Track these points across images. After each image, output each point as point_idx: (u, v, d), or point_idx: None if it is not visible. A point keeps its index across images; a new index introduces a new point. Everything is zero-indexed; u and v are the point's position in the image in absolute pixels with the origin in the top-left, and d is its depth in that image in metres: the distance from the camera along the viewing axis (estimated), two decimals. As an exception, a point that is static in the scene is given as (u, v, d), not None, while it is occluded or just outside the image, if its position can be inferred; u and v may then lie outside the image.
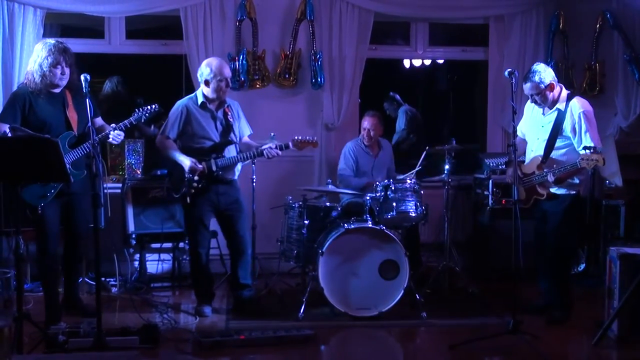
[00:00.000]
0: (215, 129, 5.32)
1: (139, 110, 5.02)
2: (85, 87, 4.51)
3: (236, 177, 5.42)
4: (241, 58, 6.61)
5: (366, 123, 6.40)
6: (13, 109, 4.83)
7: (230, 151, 5.36)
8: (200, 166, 5.19)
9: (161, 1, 6.48)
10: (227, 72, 5.28)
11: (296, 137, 5.36)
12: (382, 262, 5.29)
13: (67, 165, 4.67)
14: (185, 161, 5.21)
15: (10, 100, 4.95)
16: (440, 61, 8.58)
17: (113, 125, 5.00)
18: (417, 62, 8.26)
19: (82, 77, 4.55)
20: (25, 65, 6.13)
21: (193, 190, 5.23)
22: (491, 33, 7.14)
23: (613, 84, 7.00)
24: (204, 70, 5.27)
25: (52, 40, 4.89)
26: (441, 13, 7.07)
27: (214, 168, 5.23)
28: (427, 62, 8.29)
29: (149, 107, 5.04)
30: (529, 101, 5.40)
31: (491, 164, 6.27)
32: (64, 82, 4.87)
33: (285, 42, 6.76)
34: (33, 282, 5.87)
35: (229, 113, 5.32)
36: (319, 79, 6.71)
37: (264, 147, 5.25)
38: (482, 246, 6.59)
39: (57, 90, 4.88)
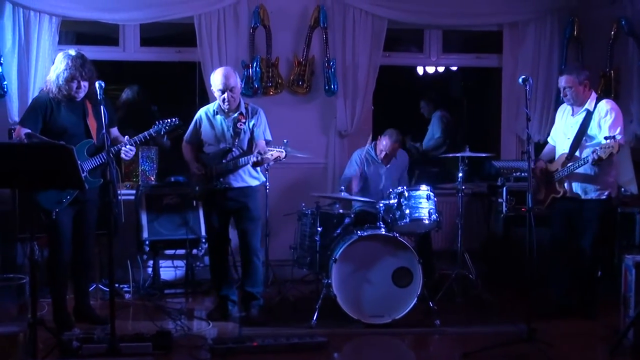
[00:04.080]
0: (224, 136, 5.35)
1: (159, 123, 5.04)
2: (99, 94, 4.57)
3: (249, 184, 5.41)
4: (255, 65, 6.63)
5: (385, 145, 6.24)
6: (35, 114, 4.88)
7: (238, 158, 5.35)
8: (197, 170, 5.31)
9: (175, 9, 6.51)
10: (223, 83, 5.23)
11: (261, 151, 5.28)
12: (396, 270, 5.28)
13: (85, 173, 4.75)
14: (191, 165, 5.38)
15: (32, 105, 5.02)
16: (454, 68, 8.56)
17: (127, 137, 5.01)
18: (430, 69, 8.24)
19: (96, 85, 4.60)
20: (40, 73, 6.23)
21: (196, 194, 5.41)
22: (505, 40, 7.12)
23: (628, 90, 6.95)
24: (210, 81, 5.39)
25: (72, 52, 4.91)
26: (455, 20, 7.06)
27: (213, 173, 5.28)
28: (441, 69, 8.27)
29: (169, 120, 5.07)
30: (560, 107, 5.56)
31: (497, 165, 6.27)
32: (81, 95, 4.90)
33: (299, 50, 6.77)
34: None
35: (242, 120, 5.33)
36: (332, 86, 6.72)
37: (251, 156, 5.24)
38: (496, 254, 6.56)
39: (78, 99, 4.92)
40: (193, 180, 5.47)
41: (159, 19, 6.53)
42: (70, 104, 4.91)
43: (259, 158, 5.14)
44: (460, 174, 5.92)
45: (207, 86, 6.31)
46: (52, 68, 4.92)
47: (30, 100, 6.15)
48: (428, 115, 8.70)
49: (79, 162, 4.70)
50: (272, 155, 5.16)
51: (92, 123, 4.94)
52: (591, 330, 5.22)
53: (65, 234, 4.96)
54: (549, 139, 5.78)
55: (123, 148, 4.93)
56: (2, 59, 6.19)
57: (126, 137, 5.03)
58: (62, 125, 4.87)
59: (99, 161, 4.88)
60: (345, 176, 6.33)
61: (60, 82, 4.81)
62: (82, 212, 5.02)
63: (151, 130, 5.02)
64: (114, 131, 5.16)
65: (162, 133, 5.08)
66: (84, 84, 4.84)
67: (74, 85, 4.82)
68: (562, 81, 5.35)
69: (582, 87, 5.30)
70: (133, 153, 5.02)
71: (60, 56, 4.91)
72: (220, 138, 5.36)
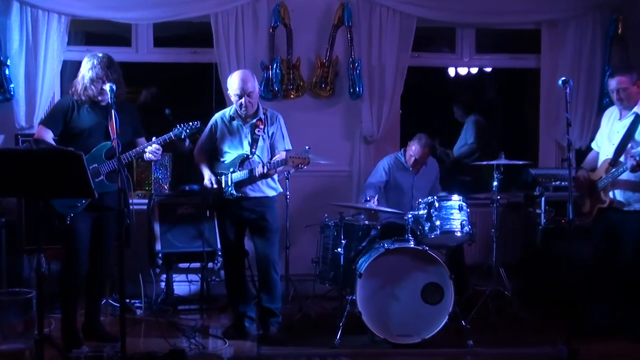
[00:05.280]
0: (240, 144, 5.37)
1: (179, 126, 5.11)
2: (110, 97, 4.65)
3: (266, 194, 5.43)
4: (275, 67, 6.66)
5: (414, 150, 6.23)
6: (56, 115, 5.04)
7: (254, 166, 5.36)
8: (209, 184, 5.33)
9: (191, 7, 6.56)
10: (241, 87, 5.26)
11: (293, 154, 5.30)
12: (425, 286, 5.26)
13: (102, 177, 4.88)
14: (205, 175, 5.39)
15: (54, 107, 5.24)
16: (488, 69, 8.53)
17: (154, 138, 5.07)
18: (463, 71, 8.22)
19: (107, 87, 4.71)
20: (49, 75, 6.32)
21: (208, 204, 5.49)
22: (543, 39, 7.08)
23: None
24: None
25: (99, 54, 5.03)
26: (489, 18, 7.04)
27: (228, 183, 5.31)
28: (474, 70, 8.24)
29: (190, 123, 5.13)
30: (607, 111, 5.53)
31: (535, 173, 6.23)
32: (107, 98, 4.96)
33: (322, 50, 6.79)
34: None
35: (260, 126, 5.35)
36: (357, 89, 6.73)
37: (258, 168, 5.24)
38: (534, 269, 6.51)
39: (104, 103, 5.01)
40: (205, 189, 5.47)
41: (173, 17, 6.59)
42: (94, 106, 5.02)
43: (265, 170, 5.16)
44: (495, 183, 5.89)
45: (223, 89, 6.35)
46: (79, 71, 5.04)
47: (37, 104, 6.29)
48: (462, 119, 8.67)
49: (96, 164, 4.88)
50: (292, 163, 5.14)
51: (113, 128, 4.96)
52: (636, 353, 5.15)
53: (82, 242, 4.99)
54: (592, 145, 5.74)
55: (149, 147, 5.00)
56: (8, 61, 6.27)
57: (153, 137, 5.09)
58: (81, 126, 4.99)
59: (125, 160, 4.96)
60: (369, 182, 6.33)
61: (86, 82, 4.93)
62: (101, 220, 5.06)
63: (171, 133, 5.09)
64: (142, 141, 5.22)
65: (182, 137, 5.13)
66: (112, 85, 4.90)
67: (100, 86, 4.91)
68: (614, 83, 5.32)
69: (635, 88, 5.29)
70: (160, 153, 5.07)
71: (86, 57, 5.03)
72: (237, 145, 5.38)
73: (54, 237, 5.15)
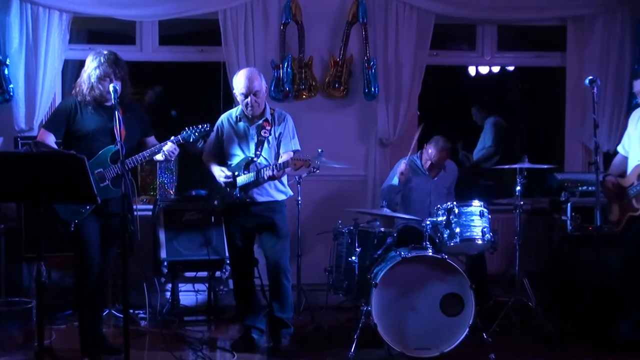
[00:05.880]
0: (247, 146, 5.38)
1: (187, 129, 5.11)
2: (114, 98, 4.65)
3: (275, 198, 5.43)
4: (286, 66, 6.67)
5: (431, 154, 6.23)
6: (58, 117, 5.03)
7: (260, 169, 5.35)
8: (223, 178, 5.32)
9: (198, 3, 6.59)
10: (246, 86, 5.27)
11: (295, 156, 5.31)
12: (444, 296, 5.25)
13: (107, 182, 4.87)
14: (217, 173, 5.38)
15: (56, 109, 5.20)
16: (511, 68, 8.52)
17: (173, 137, 5.07)
18: (484, 70, 8.22)
19: (110, 87, 4.71)
20: (49, 75, 6.35)
21: (215, 208, 5.47)
22: (569, 36, 7.07)
23: None
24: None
25: (104, 51, 5.02)
26: (511, 14, 7.04)
27: (235, 186, 5.32)
28: (496, 69, 8.23)
29: (200, 126, 5.14)
30: (634, 112, 5.49)
31: (561, 178, 6.20)
32: (112, 97, 4.96)
33: (335, 48, 6.80)
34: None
35: (267, 127, 5.36)
36: (372, 89, 6.73)
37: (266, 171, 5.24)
38: (559, 279, 6.49)
39: (109, 103, 4.98)
40: (213, 193, 5.52)
41: (179, 14, 6.62)
42: (99, 108, 5.01)
43: (274, 172, 5.16)
44: (519, 188, 5.87)
45: (232, 89, 6.36)
46: (83, 70, 5.02)
47: (37, 105, 6.31)
48: (481, 122, 8.67)
49: (101, 169, 4.86)
50: (295, 166, 5.13)
51: (121, 130, 4.96)
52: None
53: (93, 248, 4.97)
54: (619, 148, 5.71)
55: (166, 146, 4.99)
56: (8, 60, 6.31)
57: (172, 137, 5.10)
58: (86, 129, 4.97)
59: (132, 164, 4.97)
60: (386, 185, 6.33)
61: (93, 81, 4.91)
62: (106, 227, 5.04)
63: (179, 137, 5.08)
64: (151, 140, 5.25)
65: (190, 140, 5.13)
66: (117, 84, 4.91)
67: (107, 84, 4.89)
68: (638, 86, 5.28)
69: None
70: (177, 152, 5.07)
71: (91, 56, 5.01)
72: (244, 146, 5.40)
73: (55, 244, 5.17)
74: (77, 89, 5.00)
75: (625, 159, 5.54)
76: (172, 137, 5.06)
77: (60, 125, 4.98)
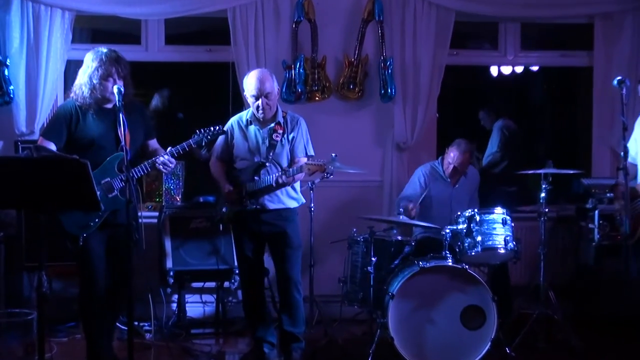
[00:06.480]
0: (258, 149, 5.39)
1: (199, 132, 5.02)
2: (118, 100, 4.63)
3: (287, 205, 5.44)
4: (298, 66, 6.68)
5: (453, 157, 6.21)
6: (58, 124, 4.93)
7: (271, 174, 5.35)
8: (226, 191, 5.35)
9: (205, 1, 6.60)
10: (257, 88, 5.27)
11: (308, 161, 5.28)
12: (465, 308, 5.24)
13: (115, 192, 4.80)
14: (221, 185, 5.41)
15: (54, 115, 5.09)
16: (535, 68, 8.51)
17: (170, 148, 5.00)
18: (506, 70, 8.21)
19: (115, 89, 4.68)
20: (51, 75, 6.37)
21: (223, 216, 5.45)
22: (596, 34, 7.05)
23: None
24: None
25: (104, 49, 4.95)
26: (536, 11, 7.03)
27: (242, 193, 5.33)
28: (519, 69, 8.23)
29: (212, 128, 5.07)
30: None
31: (588, 184, 6.17)
32: (115, 98, 4.94)
33: (350, 47, 6.81)
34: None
35: (279, 131, 5.36)
36: (389, 90, 6.73)
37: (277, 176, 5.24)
38: (586, 290, 6.47)
39: (109, 106, 4.93)
40: (221, 200, 5.53)
41: (187, 12, 6.64)
42: (100, 111, 4.92)
43: (283, 179, 5.15)
44: (543, 195, 5.86)
45: (241, 90, 6.37)
46: (81, 70, 4.95)
47: (38, 108, 6.33)
48: (489, 126, 8.69)
49: (108, 178, 4.79)
50: (310, 171, 5.14)
51: (125, 134, 4.88)
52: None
53: (98, 263, 4.96)
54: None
55: (160, 158, 4.91)
56: (8, 60, 6.34)
57: (169, 148, 5.05)
58: (89, 136, 4.89)
59: (137, 174, 4.91)
60: (404, 195, 6.32)
61: (95, 82, 4.83)
62: (116, 239, 4.96)
63: (191, 141, 5.00)
64: (153, 143, 5.20)
65: (203, 144, 5.07)
66: (120, 83, 4.89)
67: (109, 84, 4.84)
68: None
69: None
70: (173, 165, 5.01)
71: (90, 55, 4.93)
72: (254, 151, 5.40)
73: (56, 253, 5.18)
74: (77, 91, 4.91)
75: (634, 166, 5.46)
76: (170, 148, 4.98)
77: (61, 132, 4.89)
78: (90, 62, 4.89)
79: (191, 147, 5.01)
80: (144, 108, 5.39)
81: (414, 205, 6.05)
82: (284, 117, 5.43)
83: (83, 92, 4.87)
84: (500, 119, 8.63)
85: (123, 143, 4.64)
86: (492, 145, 8.53)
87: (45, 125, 6.04)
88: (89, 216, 4.82)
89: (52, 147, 4.86)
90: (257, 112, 5.33)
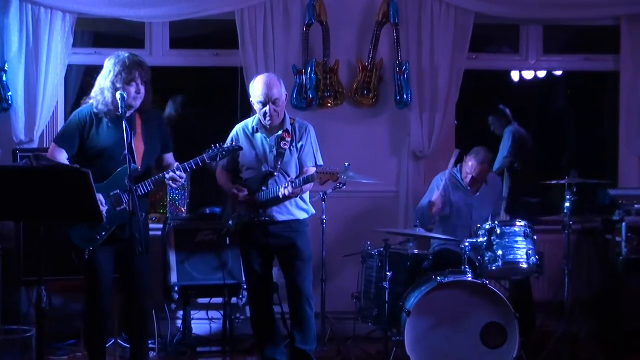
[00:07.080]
0: (265, 158, 5.39)
1: (214, 147, 5.01)
2: (121, 107, 4.64)
3: (296, 217, 5.44)
4: (309, 71, 6.69)
5: (471, 167, 6.17)
6: (71, 131, 4.94)
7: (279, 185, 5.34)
8: (235, 191, 5.33)
9: (212, 3, 6.63)
10: (265, 94, 5.27)
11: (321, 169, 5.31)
12: (486, 326, 5.24)
13: (124, 205, 4.79)
14: (228, 190, 5.40)
15: (69, 121, 5.07)
16: (558, 73, 8.51)
17: (177, 164, 4.98)
18: (528, 75, 8.21)
19: (117, 96, 4.69)
20: (51, 81, 6.39)
21: (230, 228, 5.44)
22: (623, 37, 7.03)
23: None
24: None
25: (125, 53, 4.96)
26: (559, 13, 7.02)
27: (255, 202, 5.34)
28: (542, 74, 8.23)
29: (228, 144, 5.11)
30: None
31: (614, 194, 6.14)
32: (138, 103, 4.93)
33: (364, 51, 6.81)
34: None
35: (287, 139, 5.36)
36: (405, 96, 6.73)
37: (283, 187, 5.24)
38: (613, 307, 6.44)
39: (128, 114, 4.85)
40: (226, 211, 5.52)
41: (193, 15, 6.66)
42: (116, 121, 4.88)
43: (290, 191, 5.14)
44: (567, 205, 5.85)
45: (249, 96, 6.39)
46: (101, 75, 4.93)
47: (38, 115, 6.35)
48: (500, 131, 8.69)
49: (118, 191, 4.79)
50: (321, 180, 5.13)
51: (138, 145, 4.92)
52: None
53: (104, 279, 4.96)
54: None
55: (171, 174, 4.87)
56: (6, 65, 6.36)
57: (176, 163, 5.02)
58: (101, 145, 4.89)
59: (142, 191, 4.89)
60: (422, 205, 6.28)
61: (118, 87, 4.80)
62: (127, 254, 4.88)
63: (205, 156, 4.98)
64: (169, 157, 5.18)
65: (218, 159, 5.05)
66: (142, 89, 4.89)
67: (133, 89, 4.85)
68: None
69: None
70: (183, 181, 4.98)
71: (111, 59, 4.93)
72: (262, 160, 5.40)
73: (56, 267, 5.19)
74: (98, 97, 4.88)
75: None
76: (177, 164, 4.98)
77: (74, 140, 4.90)
78: (112, 66, 4.88)
79: (204, 162, 4.98)
80: (162, 118, 5.40)
81: (438, 196, 6.01)
82: (292, 124, 5.43)
83: (105, 98, 4.85)
84: (512, 125, 8.64)
85: (126, 152, 4.61)
86: (503, 150, 8.55)
87: (47, 129, 6.05)
88: (95, 229, 4.83)
89: (64, 154, 4.88)
90: (264, 119, 5.34)
